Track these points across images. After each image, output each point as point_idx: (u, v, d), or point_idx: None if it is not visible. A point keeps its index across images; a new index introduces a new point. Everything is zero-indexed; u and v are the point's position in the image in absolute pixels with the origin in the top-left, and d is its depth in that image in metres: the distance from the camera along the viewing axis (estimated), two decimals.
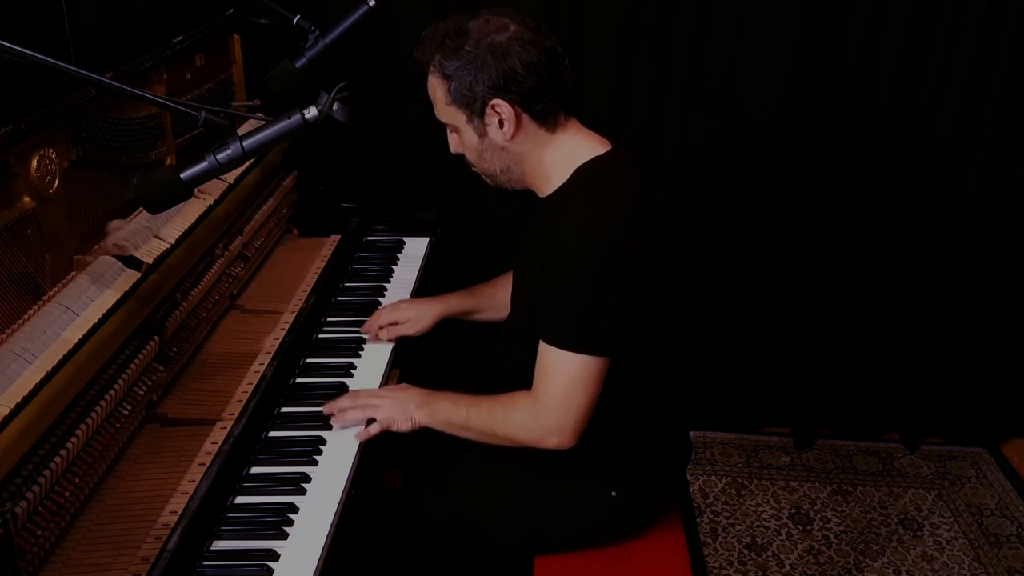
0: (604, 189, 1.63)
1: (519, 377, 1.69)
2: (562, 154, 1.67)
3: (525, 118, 1.62)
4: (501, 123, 1.61)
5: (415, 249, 2.43)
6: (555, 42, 1.61)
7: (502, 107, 1.59)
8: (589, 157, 1.66)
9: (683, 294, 1.80)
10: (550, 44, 1.60)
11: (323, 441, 1.68)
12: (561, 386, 1.60)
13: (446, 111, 1.65)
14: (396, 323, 2.01)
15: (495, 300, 2.03)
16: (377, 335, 2.00)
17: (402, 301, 2.10)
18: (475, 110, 1.61)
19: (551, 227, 1.64)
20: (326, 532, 1.47)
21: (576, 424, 1.61)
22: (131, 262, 1.65)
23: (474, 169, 1.75)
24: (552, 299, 1.61)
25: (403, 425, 1.71)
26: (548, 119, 1.64)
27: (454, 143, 1.72)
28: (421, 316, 2.03)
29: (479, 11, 1.62)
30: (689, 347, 1.85)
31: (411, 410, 1.71)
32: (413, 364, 2.11)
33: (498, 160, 1.68)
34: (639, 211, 1.64)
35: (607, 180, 1.65)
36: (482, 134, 1.64)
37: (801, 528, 2.73)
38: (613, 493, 1.77)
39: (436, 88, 1.64)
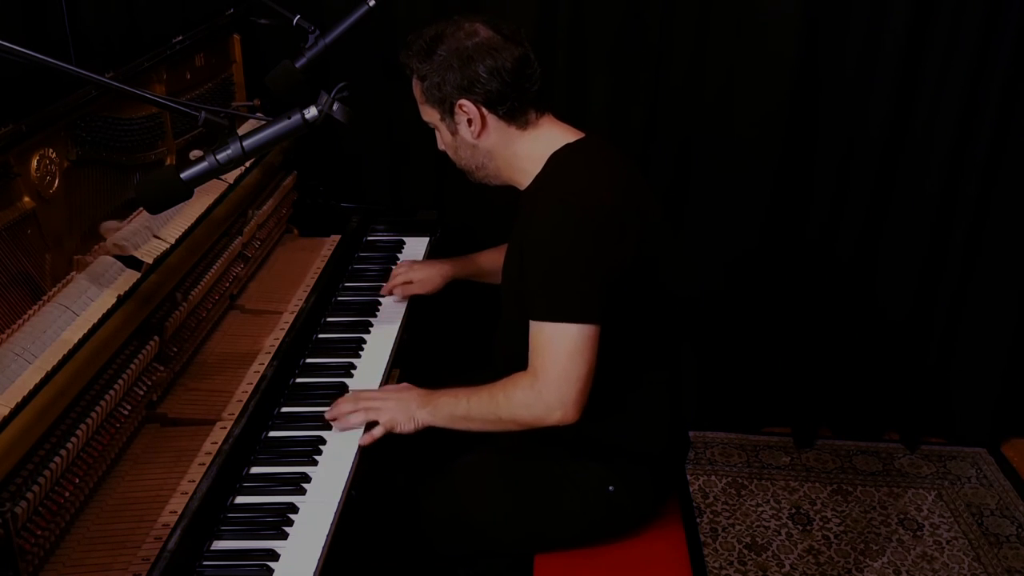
0: (576, 168, 1.71)
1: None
2: (536, 147, 1.75)
3: (491, 118, 1.71)
4: (469, 122, 1.71)
5: (415, 249, 2.43)
6: (527, 49, 1.71)
7: (468, 107, 1.70)
8: (561, 145, 1.74)
9: (682, 273, 1.85)
10: (520, 51, 1.70)
11: (323, 441, 1.68)
12: (557, 358, 1.62)
13: (424, 110, 1.77)
14: (410, 282, 2.16)
15: (501, 263, 2.06)
16: (392, 292, 2.17)
17: (415, 262, 2.25)
18: (446, 109, 1.73)
19: (529, 214, 1.71)
20: (326, 532, 1.47)
21: (578, 396, 1.63)
22: (131, 262, 1.65)
23: (457, 165, 1.84)
24: (536, 277, 1.66)
25: (406, 427, 1.72)
26: (516, 118, 1.72)
27: (438, 140, 1.82)
28: (431, 277, 2.17)
29: (457, 18, 1.72)
30: (686, 331, 1.87)
31: (413, 410, 1.72)
32: (413, 364, 2.11)
33: (471, 157, 1.78)
34: (612, 183, 1.71)
35: (579, 160, 1.73)
36: (454, 132, 1.75)
37: (801, 528, 2.73)
38: (610, 488, 1.77)
39: (416, 88, 1.76)
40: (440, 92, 1.70)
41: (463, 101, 1.69)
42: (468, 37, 1.68)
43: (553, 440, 1.74)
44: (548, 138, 1.74)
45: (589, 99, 2.75)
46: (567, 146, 1.73)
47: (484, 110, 1.70)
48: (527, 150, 1.74)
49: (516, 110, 1.71)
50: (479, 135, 1.73)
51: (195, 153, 1.95)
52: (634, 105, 2.77)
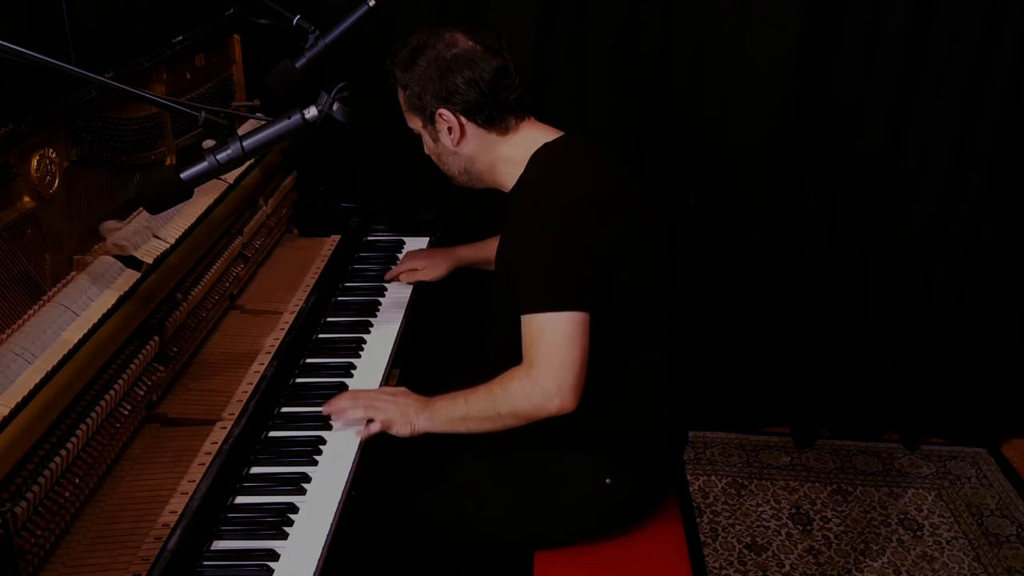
0: (556, 163, 1.75)
1: None
2: (517, 150, 1.79)
3: (470, 126, 1.76)
4: (449, 130, 1.77)
5: (415, 249, 2.43)
6: (506, 60, 1.76)
7: (447, 116, 1.75)
8: (541, 144, 1.78)
9: (668, 263, 1.88)
10: (499, 62, 1.74)
11: (323, 441, 1.68)
12: (550, 346, 1.63)
13: (409, 117, 1.84)
14: (415, 270, 2.23)
15: None
16: (399, 279, 2.24)
17: (420, 250, 2.34)
18: (427, 118, 1.78)
19: (513, 215, 1.75)
20: (326, 532, 1.47)
21: (574, 381, 1.63)
22: (131, 262, 1.65)
23: (442, 171, 1.89)
24: (523, 271, 1.68)
25: (403, 429, 1.71)
26: (496, 125, 1.77)
27: (424, 146, 1.87)
28: (436, 264, 2.24)
29: (440, 28, 1.77)
30: (680, 326, 1.88)
31: (411, 415, 1.72)
32: (413, 364, 2.11)
33: (453, 162, 1.84)
34: (591, 174, 1.76)
35: (559, 157, 1.77)
36: (435, 139, 1.81)
37: (801, 528, 2.73)
38: (607, 480, 1.78)
39: (400, 96, 1.82)
40: (421, 101, 1.76)
41: (442, 110, 1.74)
42: (447, 48, 1.73)
43: (549, 435, 1.75)
44: (529, 140, 1.78)
45: (589, 101, 2.75)
46: (547, 145, 1.77)
47: (463, 119, 1.75)
48: (508, 154, 1.79)
49: (495, 118, 1.76)
50: (459, 142, 1.78)
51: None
52: (634, 106, 2.76)
